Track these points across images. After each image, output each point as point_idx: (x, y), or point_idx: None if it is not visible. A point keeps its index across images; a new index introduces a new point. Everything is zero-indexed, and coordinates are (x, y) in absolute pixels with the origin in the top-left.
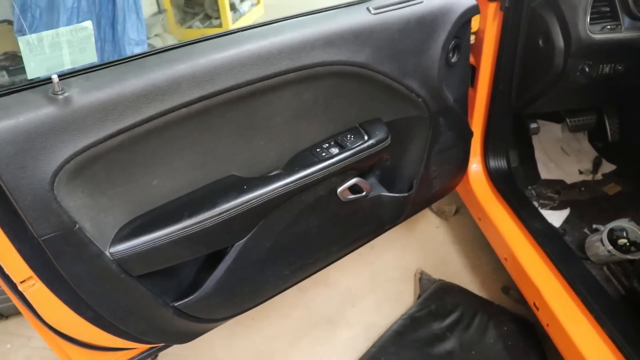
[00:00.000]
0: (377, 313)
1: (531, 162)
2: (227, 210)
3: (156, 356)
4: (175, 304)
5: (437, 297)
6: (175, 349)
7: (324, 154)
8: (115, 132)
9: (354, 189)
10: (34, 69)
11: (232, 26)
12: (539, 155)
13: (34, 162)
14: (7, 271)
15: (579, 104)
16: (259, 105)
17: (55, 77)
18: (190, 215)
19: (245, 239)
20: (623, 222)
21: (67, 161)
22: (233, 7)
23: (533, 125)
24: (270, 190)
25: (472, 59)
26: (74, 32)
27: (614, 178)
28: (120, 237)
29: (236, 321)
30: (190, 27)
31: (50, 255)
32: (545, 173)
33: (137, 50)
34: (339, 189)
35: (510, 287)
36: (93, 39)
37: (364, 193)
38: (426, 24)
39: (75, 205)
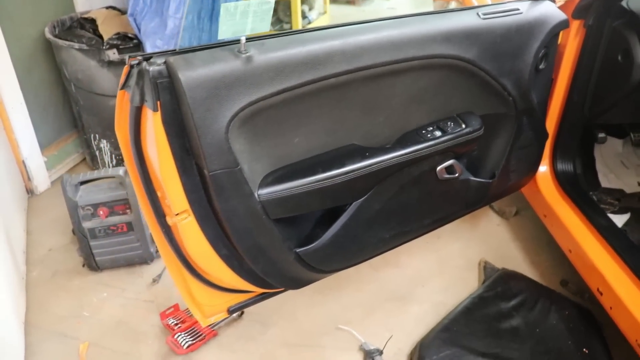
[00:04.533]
0: (445, 293)
1: (592, 171)
2: (353, 171)
3: (242, 312)
4: (297, 250)
5: (502, 282)
6: (260, 308)
7: (429, 136)
8: (282, 89)
9: (449, 169)
10: (224, 32)
11: None
12: (599, 166)
13: (218, 106)
14: (168, 201)
15: None
16: (385, 86)
17: (243, 39)
18: (324, 171)
19: (362, 198)
20: None
21: (242, 109)
22: (303, 15)
23: (601, 135)
24: (387, 159)
25: None
26: (259, 4)
27: None
28: (265, 183)
29: (315, 290)
30: None
31: (213, 190)
32: (605, 182)
33: None
34: (438, 168)
35: (568, 280)
36: (271, 12)
37: (457, 174)
38: (524, 32)
39: (239, 149)
